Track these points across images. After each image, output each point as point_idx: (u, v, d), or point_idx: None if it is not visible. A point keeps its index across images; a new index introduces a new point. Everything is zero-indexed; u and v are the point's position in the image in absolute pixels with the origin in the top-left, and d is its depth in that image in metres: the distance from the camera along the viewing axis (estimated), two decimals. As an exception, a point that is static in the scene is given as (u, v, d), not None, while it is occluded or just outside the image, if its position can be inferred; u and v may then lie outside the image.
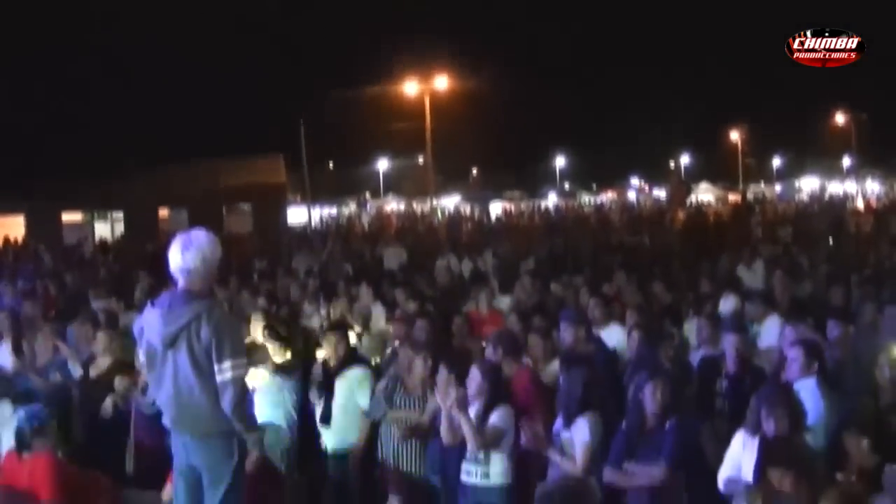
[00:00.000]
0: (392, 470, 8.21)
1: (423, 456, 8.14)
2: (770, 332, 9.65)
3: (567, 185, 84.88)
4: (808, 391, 7.04)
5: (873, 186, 65.96)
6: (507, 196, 69.84)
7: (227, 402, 5.75)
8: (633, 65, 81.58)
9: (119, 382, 8.69)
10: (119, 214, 48.16)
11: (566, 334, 9.13)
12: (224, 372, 5.73)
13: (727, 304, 10.94)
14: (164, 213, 48.66)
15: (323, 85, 60.73)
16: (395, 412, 8.32)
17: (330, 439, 8.91)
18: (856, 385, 7.77)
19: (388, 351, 10.04)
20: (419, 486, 8.08)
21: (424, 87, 44.79)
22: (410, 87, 45.32)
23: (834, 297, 11.37)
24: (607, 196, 76.77)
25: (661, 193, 69.84)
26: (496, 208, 58.88)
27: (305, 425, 9.12)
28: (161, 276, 6.02)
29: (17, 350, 10.12)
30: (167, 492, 6.64)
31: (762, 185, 78.77)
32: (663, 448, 6.71)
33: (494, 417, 7.30)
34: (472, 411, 7.32)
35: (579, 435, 7.04)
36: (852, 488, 5.75)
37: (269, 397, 8.71)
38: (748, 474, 6.21)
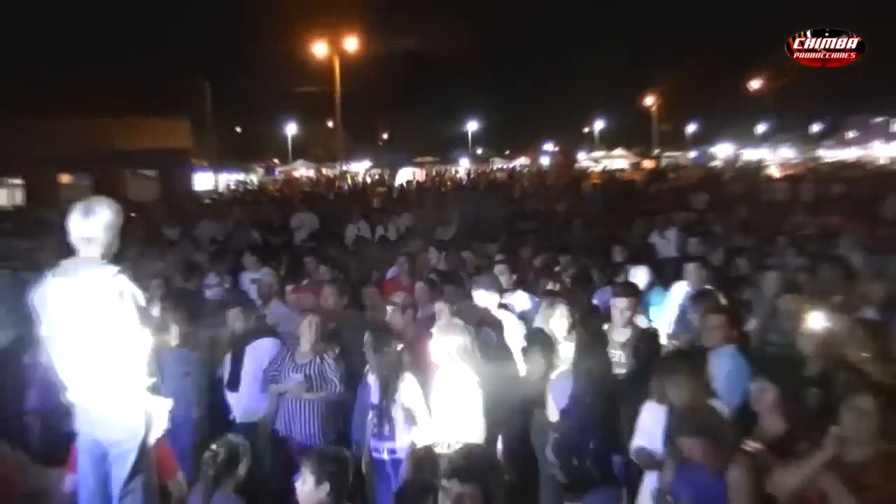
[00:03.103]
0: (297, 441, 8.31)
1: (322, 423, 8.36)
2: (679, 297, 9.79)
3: (479, 150, 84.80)
4: (728, 358, 7.21)
5: (787, 154, 66.96)
6: (418, 161, 69.57)
7: (133, 374, 5.69)
8: (549, 29, 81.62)
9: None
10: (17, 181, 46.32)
11: (481, 299, 9.21)
12: (129, 342, 5.66)
13: (638, 277, 10.95)
14: (65, 179, 47.06)
15: (229, 46, 59.39)
16: (284, 383, 8.46)
17: (238, 409, 8.99)
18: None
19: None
20: (331, 457, 8.16)
21: (333, 48, 44.37)
22: (320, 49, 44.85)
23: (733, 268, 11.54)
24: (519, 161, 76.93)
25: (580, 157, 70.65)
26: (406, 174, 58.60)
27: (213, 397, 9.12)
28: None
29: None
30: (68, 482, 6.53)
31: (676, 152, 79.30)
32: None
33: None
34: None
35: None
36: (761, 456, 5.87)
37: (174, 369, 8.64)
38: (658, 444, 6.37)
